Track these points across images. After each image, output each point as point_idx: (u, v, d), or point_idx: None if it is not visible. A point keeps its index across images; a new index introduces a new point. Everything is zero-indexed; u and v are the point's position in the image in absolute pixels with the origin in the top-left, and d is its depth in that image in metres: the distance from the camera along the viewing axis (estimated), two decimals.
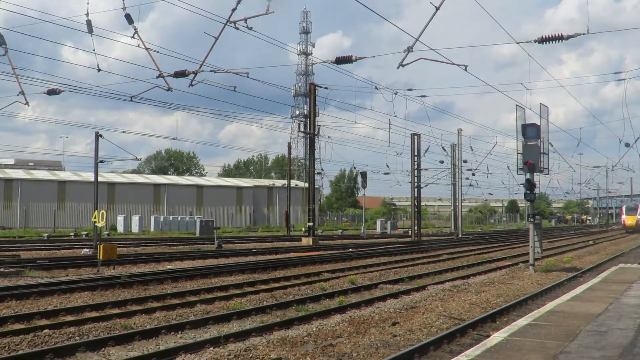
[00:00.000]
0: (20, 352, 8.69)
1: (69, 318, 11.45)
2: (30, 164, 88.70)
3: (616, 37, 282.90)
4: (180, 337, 10.07)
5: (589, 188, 56.46)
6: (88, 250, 27.36)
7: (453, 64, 16.06)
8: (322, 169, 44.44)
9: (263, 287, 16.36)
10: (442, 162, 50.91)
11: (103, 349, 9.15)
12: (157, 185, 66.76)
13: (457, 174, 51.27)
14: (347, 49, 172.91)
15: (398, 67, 15.19)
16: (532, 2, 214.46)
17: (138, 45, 14.72)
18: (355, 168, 70.80)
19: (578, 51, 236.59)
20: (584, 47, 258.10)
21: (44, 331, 10.08)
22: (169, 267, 21.48)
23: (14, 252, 25.93)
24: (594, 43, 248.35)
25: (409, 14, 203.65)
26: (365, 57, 16.43)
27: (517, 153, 21.64)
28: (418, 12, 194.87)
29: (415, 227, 46.99)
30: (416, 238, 45.88)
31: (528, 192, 21.08)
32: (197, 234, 49.07)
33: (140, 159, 51.75)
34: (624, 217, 61.68)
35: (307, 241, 36.86)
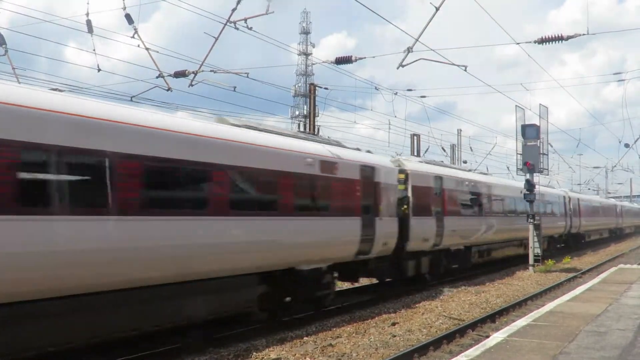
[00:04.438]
0: None
1: None
2: None
3: (619, 38, 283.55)
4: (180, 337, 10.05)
5: (589, 188, 56.17)
6: None
7: (453, 64, 16.00)
8: None
9: None
10: (441, 162, 50.88)
11: None
12: None
13: None
14: (351, 49, 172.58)
15: (398, 68, 15.14)
16: (535, 4, 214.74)
17: (138, 46, 14.68)
18: None
19: (580, 52, 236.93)
20: (587, 48, 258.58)
21: None
22: None
23: None
24: (597, 44, 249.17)
25: (413, 16, 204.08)
26: (365, 58, 16.37)
27: (517, 154, 21.66)
28: (422, 13, 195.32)
29: None
30: None
31: (528, 192, 21.08)
32: None
33: None
34: None
35: None
